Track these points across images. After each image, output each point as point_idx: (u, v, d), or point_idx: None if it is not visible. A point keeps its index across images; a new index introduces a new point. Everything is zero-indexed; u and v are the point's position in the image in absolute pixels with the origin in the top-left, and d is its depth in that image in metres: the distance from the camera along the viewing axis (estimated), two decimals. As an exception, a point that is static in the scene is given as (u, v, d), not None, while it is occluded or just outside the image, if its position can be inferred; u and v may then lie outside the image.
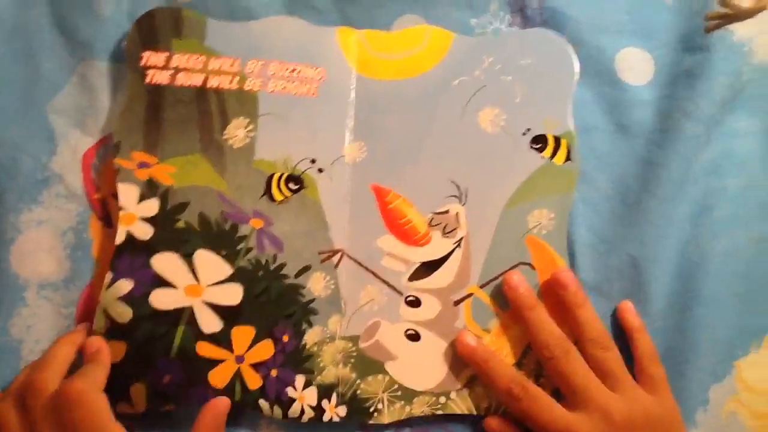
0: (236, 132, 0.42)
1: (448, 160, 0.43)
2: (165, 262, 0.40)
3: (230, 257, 0.41)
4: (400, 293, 0.42)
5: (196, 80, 0.42)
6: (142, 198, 0.41)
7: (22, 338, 0.40)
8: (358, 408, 0.40)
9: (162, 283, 0.40)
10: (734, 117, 0.45)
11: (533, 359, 0.41)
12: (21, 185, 0.41)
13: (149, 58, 0.42)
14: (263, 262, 0.41)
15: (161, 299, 0.40)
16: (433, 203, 0.43)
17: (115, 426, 0.35)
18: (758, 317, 0.43)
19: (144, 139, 0.42)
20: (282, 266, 0.41)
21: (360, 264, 0.42)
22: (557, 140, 0.43)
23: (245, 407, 0.39)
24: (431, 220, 0.43)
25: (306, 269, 0.41)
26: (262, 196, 0.42)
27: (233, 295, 0.40)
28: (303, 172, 0.42)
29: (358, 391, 0.41)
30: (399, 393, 0.41)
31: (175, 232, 0.41)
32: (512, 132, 0.43)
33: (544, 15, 0.45)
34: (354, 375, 0.41)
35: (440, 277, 0.42)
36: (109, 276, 0.40)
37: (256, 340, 0.40)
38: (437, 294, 0.42)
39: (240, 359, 0.40)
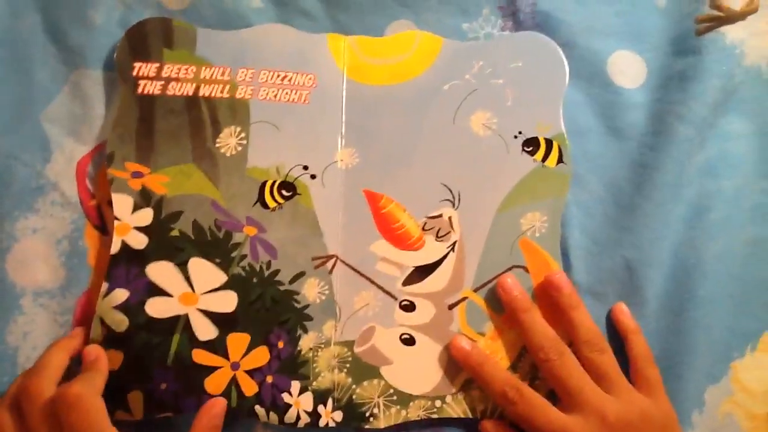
0: (228, 140, 0.43)
1: (440, 164, 0.44)
2: (160, 271, 0.41)
3: (224, 265, 0.42)
4: (394, 298, 0.43)
5: (188, 90, 0.43)
6: (136, 208, 0.42)
7: (18, 345, 0.41)
8: (354, 413, 0.41)
9: (157, 291, 0.41)
10: (727, 119, 0.45)
11: (528, 362, 0.42)
12: (16, 193, 0.42)
13: (140, 68, 0.43)
14: (257, 269, 0.42)
15: (157, 308, 0.41)
16: (426, 207, 0.44)
17: (112, 431, 0.36)
18: (754, 318, 0.44)
19: (137, 150, 0.43)
20: (276, 273, 0.42)
21: (354, 269, 0.43)
22: (549, 143, 0.44)
23: (241, 413, 0.40)
24: (424, 225, 0.43)
25: (300, 275, 0.42)
26: (255, 203, 0.43)
27: (228, 302, 0.41)
28: (296, 179, 0.43)
29: (354, 396, 0.41)
30: (395, 397, 0.42)
31: (169, 240, 0.42)
32: (504, 135, 0.44)
33: (536, 19, 0.46)
34: (349, 380, 0.42)
35: (434, 281, 0.43)
36: (104, 285, 0.41)
37: (251, 347, 0.41)
38: (431, 298, 0.43)
39: (235, 366, 0.41)
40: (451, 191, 0.44)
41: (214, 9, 0.45)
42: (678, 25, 0.46)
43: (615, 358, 0.41)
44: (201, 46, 0.44)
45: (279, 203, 0.43)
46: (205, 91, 0.43)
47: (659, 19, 0.46)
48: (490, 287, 0.43)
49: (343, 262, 0.43)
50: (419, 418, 0.42)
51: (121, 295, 0.41)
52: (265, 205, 0.43)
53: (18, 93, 0.43)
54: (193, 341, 0.41)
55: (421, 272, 0.43)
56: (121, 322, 0.40)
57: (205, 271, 0.42)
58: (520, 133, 0.44)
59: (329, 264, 0.43)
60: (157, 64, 0.43)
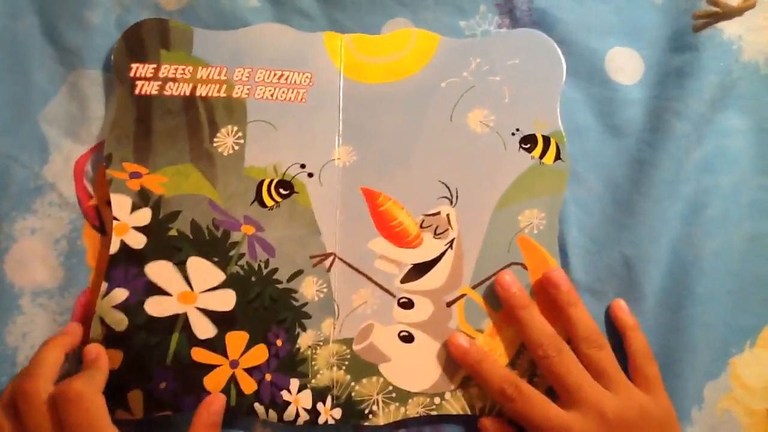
0: (225, 140, 0.44)
1: (437, 161, 0.45)
2: (159, 270, 0.42)
3: (222, 264, 0.43)
4: (392, 295, 0.44)
5: (185, 90, 0.44)
6: (135, 208, 0.43)
7: (17, 346, 0.42)
8: (353, 410, 0.42)
9: (156, 291, 0.42)
10: (725, 115, 0.46)
11: (527, 359, 0.43)
12: (14, 194, 0.43)
13: (137, 69, 0.44)
14: (255, 267, 0.43)
15: (156, 307, 0.42)
16: (424, 205, 0.44)
17: (112, 428, 0.37)
18: (752, 315, 0.45)
19: (134, 151, 0.43)
20: (274, 271, 0.43)
21: (352, 267, 0.44)
22: (546, 140, 0.45)
23: (240, 412, 0.41)
24: (422, 222, 0.44)
25: (298, 273, 0.43)
26: (253, 202, 0.44)
27: (226, 301, 0.42)
28: (293, 178, 0.44)
29: (353, 394, 0.42)
30: (393, 395, 0.42)
31: (167, 240, 0.43)
32: (501, 132, 0.45)
33: (533, 16, 0.47)
34: (348, 377, 0.42)
35: (432, 279, 0.44)
36: (104, 285, 0.42)
37: (250, 345, 0.42)
38: (430, 295, 0.44)
39: (234, 364, 0.42)
40: (448, 188, 0.44)
41: (211, 9, 0.45)
42: (675, 21, 0.47)
43: (613, 355, 0.41)
44: (198, 46, 0.44)
45: (277, 202, 0.44)
46: (202, 91, 0.44)
47: (656, 16, 0.47)
48: (488, 284, 0.44)
49: (341, 260, 0.44)
50: (418, 415, 0.42)
51: (120, 294, 0.42)
52: (262, 204, 0.44)
53: (16, 94, 0.44)
54: (192, 340, 0.41)
55: (420, 270, 0.44)
56: (120, 321, 0.41)
57: (203, 270, 0.42)
58: (517, 130, 0.45)
59: (327, 262, 0.44)
60: (154, 65, 0.44)
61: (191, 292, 0.42)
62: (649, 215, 0.44)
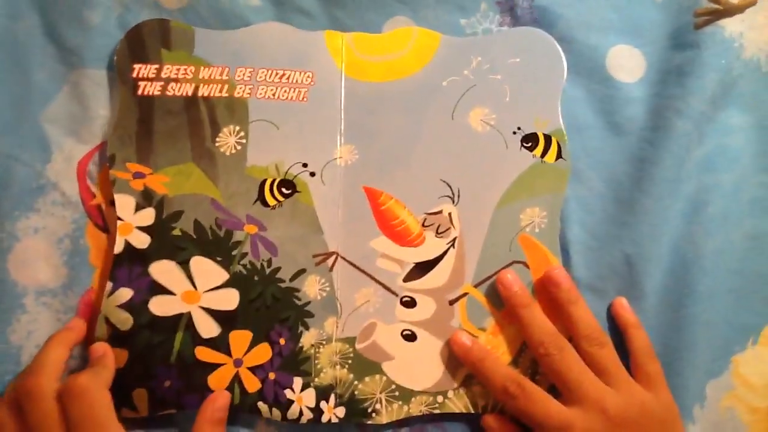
0: (227, 139, 0.45)
1: (439, 160, 0.45)
2: (162, 270, 0.43)
3: (226, 263, 0.44)
4: (395, 294, 0.44)
5: (187, 90, 0.45)
6: (139, 208, 0.44)
7: (21, 344, 0.42)
8: (356, 409, 0.43)
9: (160, 290, 0.43)
10: (726, 113, 0.46)
11: (529, 357, 0.44)
12: (17, 193, 0.44)
13: (140, 70, 0.45)
14: (258, 266, 0.44)
15: (160, 306, 0.43)
16: (426, 204, 0.45)
17: (117, 424, 0.38)
18: (754, 312, 0.46)
19: (137, 151, 0.44)
20: (277, 270, 0.44)
21: (354, 266, 0.44)
22: (548, 138, 0.46)
23: (244, 410, 0.42)
24: (424, 221, 0.45)
25: (301, 272, 0.44)
26: (255, 201, 0.44)
27: (230, 300, 0.43)
28: (295, 177, 0.45)
29: (356, 392, 0.43)
30: (396, 393, 0.43)
31: (171, 240, 0.44)
32: (503, 131, 0.46)
33: (534, 14, 0.47)
34: (351, 376, 0.43)
35: (435, 277, 0.45)
36: (109, 285, 0.43)
37: (253, 344, 0.43)
38: (432, 294, 0.44)
39: (238, 363, 0.43)
40: (450, 187, 0.45)
41: (212, 8, 0.46)
42: (676, 18, 0.47)
43: (615, 352, 0.42)
44: (199, 46, 0.45)
45: (279, 201, 0.45)
46: (203, 91, 0.45)
47: (657, 13, 0.47)
48: (490, 283, 0.44)
49: (344, 258, 0.44)
50: (421, 414, 0.43)
51: (125, 293, 0.43)
52: (265, 203, 0.44)
53: (17, 94, 0.45)
54: (196, 339, 0.42)
55: (422, 268, 0.45)
56: (125, 320, 0.42)
57: (206, 270, 0.43)
58: (518, 128, 0.46)
59: (330, 261, 0.44)
60: (156, 66, 0.45)
61: (195, 292, 0.43)
62: (651, 213, 0.45)
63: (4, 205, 0.43)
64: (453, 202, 0.45)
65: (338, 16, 0.47)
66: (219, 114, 0.45)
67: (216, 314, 0.43)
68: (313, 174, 0.45)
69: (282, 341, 0.43)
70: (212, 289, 0.43)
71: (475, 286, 0.45)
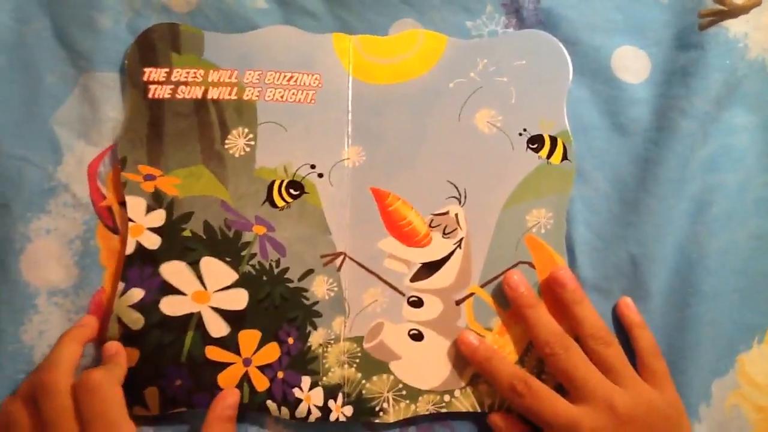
0: (236, 141, 0.46)
1: (446, 161, 0.46)
2: (173, 270, 0.44)
3: (235, 263, 0.45)
4: (402, 294, 0.45)
5: (196, 93, 0.46)
6: (149, 209, 0.45)
7: (33, 344, 0.43)
8: (364, 407, 0.44)
9: (171, 290, 0.44)
10: (730, 113, 0.47)
11: (535, 357, 0.44)
12: (29, 195, 0.44)
13: (150, 74, 0.46)
14: (267, 267, 0.45)
15: (171, 306, 0.44)
16: (433, 205, 0.46)
17: (129, 421, 0.39)
18: (759, 312, 0.46)
19: (148, 153, 0.45)
20: (285, 271, 0.45)
21: (362, 266, 0.45)
22: (553, 140, 0.46)
23: (253, 408, 0.43)
24: (431, 222, 0.46)
25: (309, 273, 0.45)
26: (264, 202, 0.45)
27: (239, 300, 0.44)
28: (303, 178, 0.46)
29: (364, 391, 0.44)
30: (404, 392, 0.44)
31: (181, 240, 0.45)
32: (509, 133, 0.46)
33: (540, 16, 0.48)
34: (359, 375, 0.44)
35: (441, 278, 0.45)
36: (121, 285, 0.44)
37: (262, 343, 0.44)
38: (439, 294, 0.45)
39: (247, 362, 0.44)
40: (457, 188, 0.46)
41: (220, 11, 0.47)
42: (681, 19, 0.48)
43: (622, 351, 0.43)
44: (208, 49, 0.46)
45: (287, 202, 0.45)
46: (213, 93, 0.46)
47: (662, 14, 0.48)
48: (496, 283, 0.45)
49: (352, 259, 0.45)
50: (428, 413, 0.44)
51: (136, 294, 0.44)
52: (273, 205, 0.45)
53: (28, 96, 0.46)
54: (206, 338, 0.43)
55: (429, 269, 0.45)
56: (137, 320, 0.43)
57: (216, 270, 0.44)
58: (524, 130, 0.46)
59: (338, 261, 0.45)
60: (167, 69, 0.46)
61: (205, 292, 0.44)
62: (655, 213, 0.46)
63: (17, 207, 0.44)
64: (460, 203, 0.46)
65: (344, 18, 0.48)
66: (228, 116, 0.46)
67: (225, 314, 0.44)
68: (321, 175, 0.46)
69: (290, 341, 0.44)
70: (222, 289, 0.44)
71: (482, 286, 0.45)
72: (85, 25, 0.46)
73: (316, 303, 0.45)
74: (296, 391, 0.44)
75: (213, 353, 0.43)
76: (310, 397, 0.44)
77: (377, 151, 0.46)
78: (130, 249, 0.44)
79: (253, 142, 0.46)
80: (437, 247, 0.46)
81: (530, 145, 0.46)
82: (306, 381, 0.44)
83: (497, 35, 0.48)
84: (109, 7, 0.47)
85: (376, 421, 0.44)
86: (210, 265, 0.44)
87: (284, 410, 0.43)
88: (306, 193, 0.46)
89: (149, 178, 0.45)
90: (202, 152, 0.46)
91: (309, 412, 0.43)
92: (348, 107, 0.47)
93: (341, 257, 0.45)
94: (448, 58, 0.47)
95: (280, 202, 0.45)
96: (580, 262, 0.46)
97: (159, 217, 0.45)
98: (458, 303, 0.45)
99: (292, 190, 0.46)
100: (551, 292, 0.45)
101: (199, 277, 0.44)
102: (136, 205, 0.45)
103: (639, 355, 0.44)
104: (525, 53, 0.47)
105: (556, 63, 0.47)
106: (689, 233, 0.46)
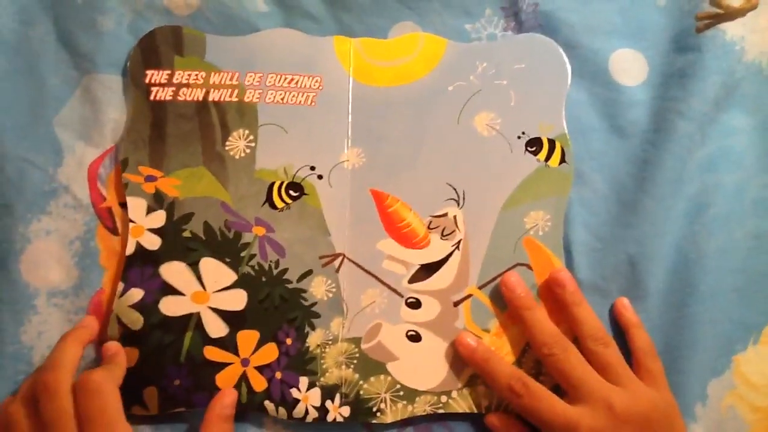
0: (237, 143, 0.46)
1: (445, 163, 0.47)
2: (173, 271, 0.45)
3: (234, 264, 0.45)
4: (400, 295, 0.46)
5: (198, 95, 0.47)
6: (150, 210, 0.45)
7: (33, 345, 0.44)
8: (362, 408, 0.44)
9: (170, 290, 0.45)
10: (728, 115, 0.47)
11: (532, 358, 0.45)
12: (29, 196, 0.45)
13: (152, 76, 0.47)
14: (266, 268, 0.45)
15: (170, 306, 0.44)
16: (431, 206, 0.46)
17: (125, 423, 0.39)
18: (756, 312, 0.47)
19: (150, 154, 0.46)
20: (284, 271, 0.45)
21: (361, 267, 0.46)
22: (552, 143, 0.47)
23: (251, 408, 0.44)
24: (430, 223, 0.46)
25: (308, 274, 0.45)
26: (264, 204, 0.46)
27: (238, 300, 0.45)
28: (303, 180, 0.46)
29: (361, 392, 0.44)
30: (401, 393, 0.44)
31: (181, 241, 0.45)
32: (507, 135, 0.47)
33: (538, 19, 0.48)
34: (357, 376, 0.45)
35: (440, 279, 0.46)
36: (121, 285, 0.44)
37: (260, 344, 0.44)
38: (437, 295, 0.46)
39: (245, 362, 0.44)
40: (455, 191, 0.47)
41: (221, 14, 0.48)
42: (678, 22, 0.48)
43: (619, 351, 0.43)
44: (210, 52, 0.47)
45: (287, 203, 0.46)
46: (214, 95, 0.47)
47: (660, 17, 0.49)
48: (494, 285, 0.46)
49: (350, 260, 0.46)
50: (425, 413, 0.44)
51: (136, 294, 0.44)
52: (273, 206, 0.46)
53: (31, 98, 0.46)
54: (205, 338, 0.44)
55: (427, 270, 0.46)
56: (136, 320, 0.44)
57: (215, 271, 0.45)
58: (523, 133, 0.47)
59: (336, 262, 0.46)
60: (169, 71, 0.47)
61: (204, 292, 0.45)
62: (653, 214, 0.46)
63: (18, 208, 0.45)
64: (458, 205, 0.47)
65: (344, 21, 0.48)
66: (229, 118, 0.47)
67: (224, 314, 0.44)
68: (320, 177, 0.46)
69: (289, 341, 0.45)
70: (221, 290, 0.45)
71: (480, 287, 0.46)
72: (87, 28, 0.47)
73: (315, 304, 0.45)
74: (294, 392, 0.44)
75: (212, 353, 0.44)
76: (307, 398, 0.44)
77: (377, 153, 0.47)
78: (130, 249, 0.45)
79: (253, 144, 0.46)
80: (436, 248, 0.46)
81: (528, 148, 0.47)
82: (304, 381, 0.44)
83: (496, 38, 0.49)
84: (112, 9, 0.47)
85: (374, 421, 0.44)
86: (209, 265, 0.45)
87: (282, 410, 0.44)
88: (306, 194, 0.46)
89: (150, 179, 0.46)
90: (203, 153, 0.46)
91: (306, 412, 0.44)
92: (348, 109, 0.47)
93: (340, 258, 0.46)
94: (448, 61, 0.48)
95: (279, 204, 0.46)
96: (577, 262, 0.46)
97: (159, 217, 0.45)
98: (456, 304, 0.46)
99: (291, 192, 0.46)
100: (550, 293, 0.45)
101: (199, 278, 0.45)
102: (136, 205, 0.45)
103: (635, 355, 0.44)
104: (524, 56, 0.48)
105: (554, 66, 0.48)
106: (687, 234, 0.47)
